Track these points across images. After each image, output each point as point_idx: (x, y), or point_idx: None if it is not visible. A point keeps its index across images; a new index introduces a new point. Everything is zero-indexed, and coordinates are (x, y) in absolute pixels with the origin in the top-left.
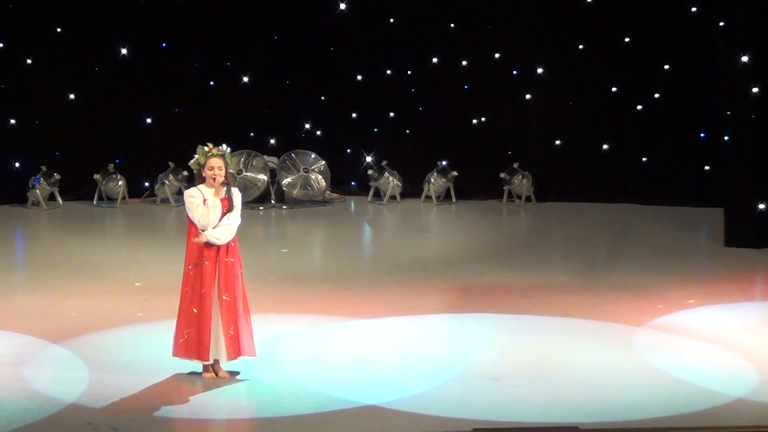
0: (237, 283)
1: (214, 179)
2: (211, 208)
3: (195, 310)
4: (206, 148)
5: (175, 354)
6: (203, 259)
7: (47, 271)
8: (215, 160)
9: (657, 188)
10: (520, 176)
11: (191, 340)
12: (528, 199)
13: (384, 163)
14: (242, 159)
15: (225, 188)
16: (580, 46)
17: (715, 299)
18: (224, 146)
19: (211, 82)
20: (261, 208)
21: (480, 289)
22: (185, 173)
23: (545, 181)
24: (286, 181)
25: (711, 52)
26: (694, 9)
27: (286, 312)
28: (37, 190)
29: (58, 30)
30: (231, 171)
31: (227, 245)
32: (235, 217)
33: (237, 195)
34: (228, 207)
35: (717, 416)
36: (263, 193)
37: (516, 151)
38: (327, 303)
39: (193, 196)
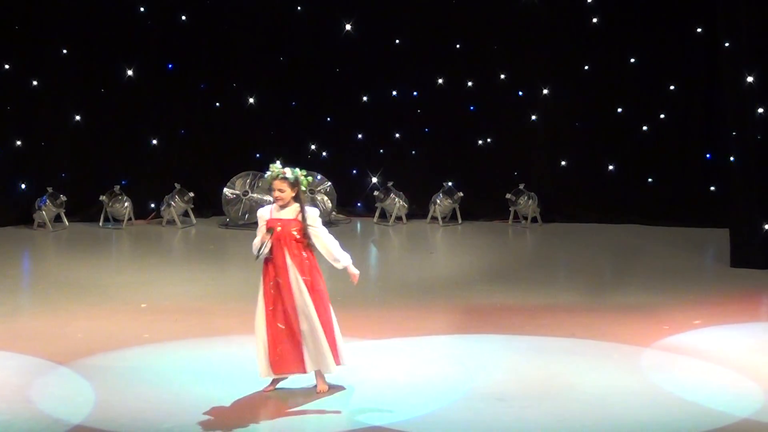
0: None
1: (278, 200)
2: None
3: (282, 326)
4: (269, 172)
5: (276, 372)
6: (277, 278)
7: (53, 293)
8: (277, 182)
9: (663, 209)
10: (525, 197)
11: (285, 354)
12: (534, 219)
13: (390, 184)
14: (248, 180)
15: (297, 208)
16: (586, 67)
17: (721, 320)
18: (287, 170)
19: (217, 104)
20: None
21: (486, 310)
22: (191, 194)
23: (551, 202)
24: None
25: (716, 72)
26: (699, 29)
27: None
28: (44, 212)
29: (64, 51)
30: (303, 190)
31: (300, 264)
32: (325, 237)
33: (310, 214)
34: (300, 227)
35: None
36: None
37: (522, 172)
38: None
39: (260, 215)
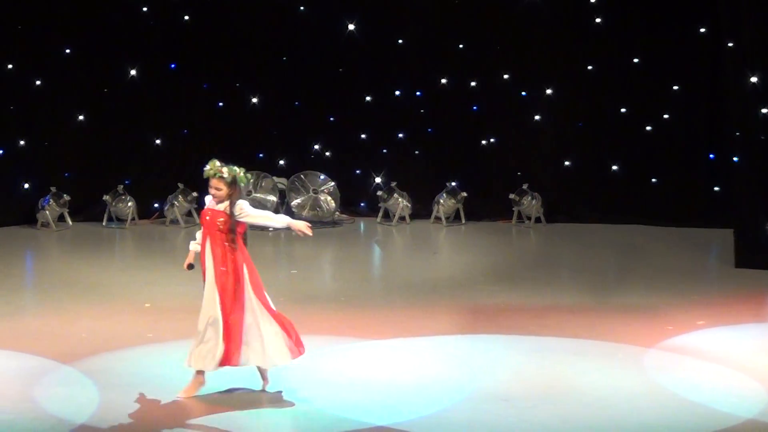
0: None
1: (214, 197)
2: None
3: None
4: (208, 167)
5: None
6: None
7: (57, 292)
8: (214, 180)
9: (666, 209)
10: (529, 197)
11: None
12: (537, 220)
13: (393, 184)
14: (251, 180)
15: (229, 202)
16: (589, 67)
17: (725, 320)
18: (225, 169)
19: (221, 103)
20: (270, 229)
21: (490, 310)
22: (195, 194)
23: (555, 202)
24: (295, 202)
25: (720, 72)
26: (702, 30)
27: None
28: (47, 211)
29: (68, 51)
30: (238, 187)
31: (221, 254)
32: (255, 214)
33: (237, 206)
34: (225, 219)
35: None
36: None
37: (525, 172)
38: (337, 324)
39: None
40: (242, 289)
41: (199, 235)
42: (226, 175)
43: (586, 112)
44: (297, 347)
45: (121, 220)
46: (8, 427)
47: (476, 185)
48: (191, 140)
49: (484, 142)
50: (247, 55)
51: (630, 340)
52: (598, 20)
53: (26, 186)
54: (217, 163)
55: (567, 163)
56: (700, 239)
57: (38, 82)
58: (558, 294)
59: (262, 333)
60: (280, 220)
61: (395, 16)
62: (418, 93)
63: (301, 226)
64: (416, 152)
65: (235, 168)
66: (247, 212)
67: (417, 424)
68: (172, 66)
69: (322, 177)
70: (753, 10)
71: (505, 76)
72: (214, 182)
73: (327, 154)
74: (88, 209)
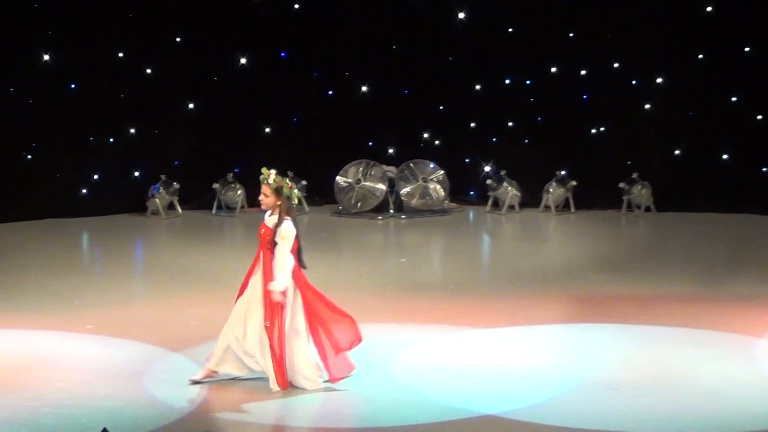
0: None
1: (261, 202)
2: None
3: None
4: (261, 174)
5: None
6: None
7: (167, 280)
8: (263, 186)
9: None
10: (639, 186)
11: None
12: (647, 209)
13: (503, 172)
14: (361, 168)
15: (277, 218)
16: (700, 56)
17: None
18: (272, 177)
19: (330, 92)
20: (380, 217)
21: (600, 299)
22: (304, 182)
23: (665, 190)
24: (404, 190)
25: None
26: None
27: (405, 322)
28: (157, 199)
29: (178, 39)
30: (288, 201)
31: (268, 271)
32: (278, 255)
33: (281, 228)
34: (269, 236)
35: None
36: (382, 202)
37: (635, 160)
38: (446, 312)
39: None
40: (283, 312)
41: None
42: (270, 181)
43: (697, 100)
44: (334, 371)
45: (230, 208)
46: (119, 414)
47: (585, 174)
48: (301, 129)
49: (593, 130)
50: (357, 43)
51: (741, 329)
52: (708, 8)
53: (136, 174)
54: (272, 172)
55: (677, 151)
56: None
57: (148, 71)
58: (668, 283)
59: (294, 357)
60: (284, 280)
61: (505, 4)
62: (527, 81)
63: (270, 291)
64: (526, 141)
65: (287, 180)
66: (283, 240)
67: (526, 412)
68: (283, 54)
69: (431, 165)
70: None
71: (615, 65)
72: (262, 188)
73: (436, 142)
74: (197, 197)
